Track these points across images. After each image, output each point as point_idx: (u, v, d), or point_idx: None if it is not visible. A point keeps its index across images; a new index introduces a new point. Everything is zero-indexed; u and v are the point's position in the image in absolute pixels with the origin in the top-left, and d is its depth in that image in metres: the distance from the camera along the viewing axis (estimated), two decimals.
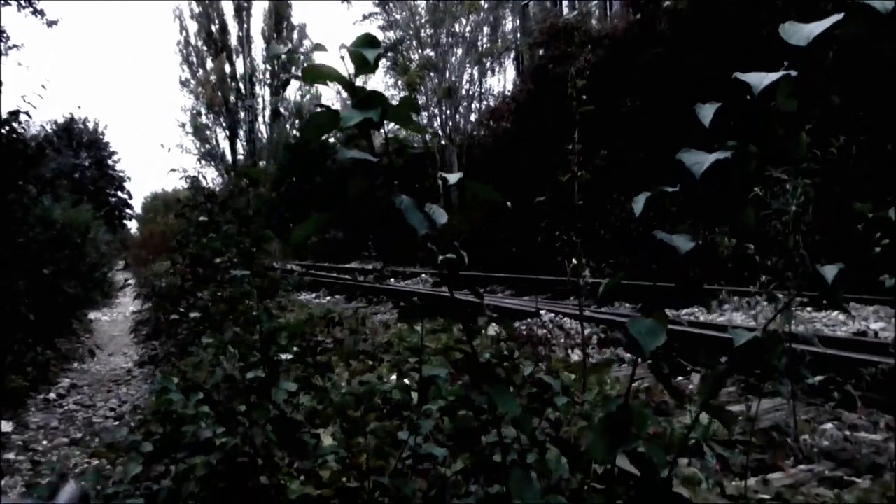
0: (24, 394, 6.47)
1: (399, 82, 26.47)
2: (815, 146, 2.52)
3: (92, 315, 13.60)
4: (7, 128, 7.70)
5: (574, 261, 3.99)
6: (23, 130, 9.00)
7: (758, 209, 2.22)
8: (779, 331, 3.59)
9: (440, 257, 1.20)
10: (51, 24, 9.72)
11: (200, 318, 4.35)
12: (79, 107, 23.12)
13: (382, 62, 30.68)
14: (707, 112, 1.13)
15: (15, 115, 8.45)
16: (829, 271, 1.34)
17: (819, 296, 1.65)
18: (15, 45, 8.80)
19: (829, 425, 3.36)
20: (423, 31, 26.24)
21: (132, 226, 45.84)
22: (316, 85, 1.42)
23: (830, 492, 2.43)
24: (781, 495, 2.30)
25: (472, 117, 26.14)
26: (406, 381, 3.48)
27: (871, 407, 3.61)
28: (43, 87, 8.52)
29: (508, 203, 1.10)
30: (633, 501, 1.57)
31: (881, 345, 4.18)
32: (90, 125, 45.31)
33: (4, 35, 8.76)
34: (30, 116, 8.59)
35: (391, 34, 26.43)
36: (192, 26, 41.07)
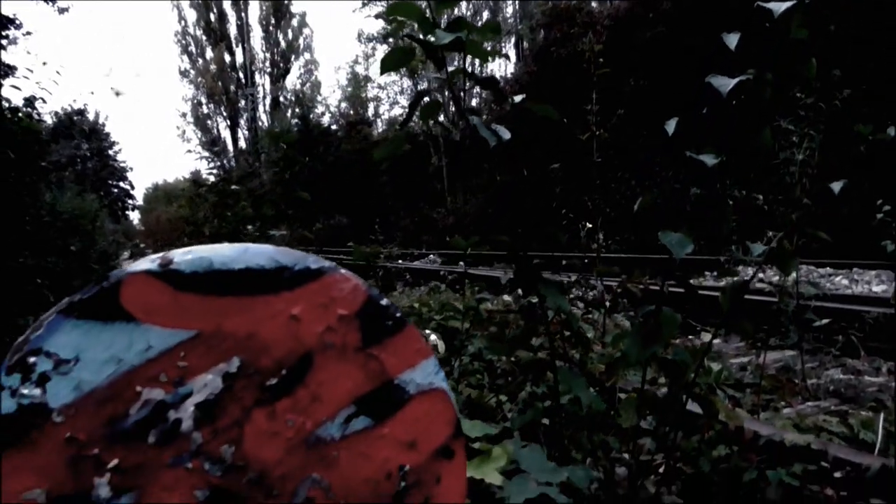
0: None
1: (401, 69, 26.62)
2: (821, 100, 2.69)
3: None
4: (25, 111, 7.85)
5: (589, 224, 4.16)
6: (38, 117, 9.14)
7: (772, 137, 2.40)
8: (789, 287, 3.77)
9: (498, 178, 1.38)
10: (62, 10, 9.84)
11: None
12: (91, 92, 23.05)
13: (383, 48, 30.78)
14: (732, 39, 1.30)
15: (31, 100, 8.59)
16: (836, 185, 1.53)
17: (824, 218, 1.84)
18: (29, 32, 8.91)
19: (833, 371, 3.55)
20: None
21: (134, 217, 45.86)
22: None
23: (836, 419, 2.63)
24: (792, 420, 2.49)
25: (473, 102, 26.22)
26: (434, 336, 3.67)
27: (874, 355, 3.80)
28: (58, 73, 8.63)
29: (565, 119, 1.27)
30: (660, 408, 1.75)
31: (882, 299, 4.37)
32: (90, 116, 45.21)
33: (17, 22, 8.87)
34: (45, 102, 8.73)
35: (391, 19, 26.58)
36: (191, 16, 41.06)
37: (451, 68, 1.40)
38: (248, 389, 0.53)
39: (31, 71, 6.71)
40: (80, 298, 0.54)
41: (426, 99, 1.45)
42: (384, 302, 0.60)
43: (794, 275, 4.29)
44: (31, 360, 0.52)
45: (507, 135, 1.29)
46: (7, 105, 8.36)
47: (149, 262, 0.56)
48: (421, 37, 1.32)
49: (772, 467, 1.79)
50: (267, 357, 0.53)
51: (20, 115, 8.57)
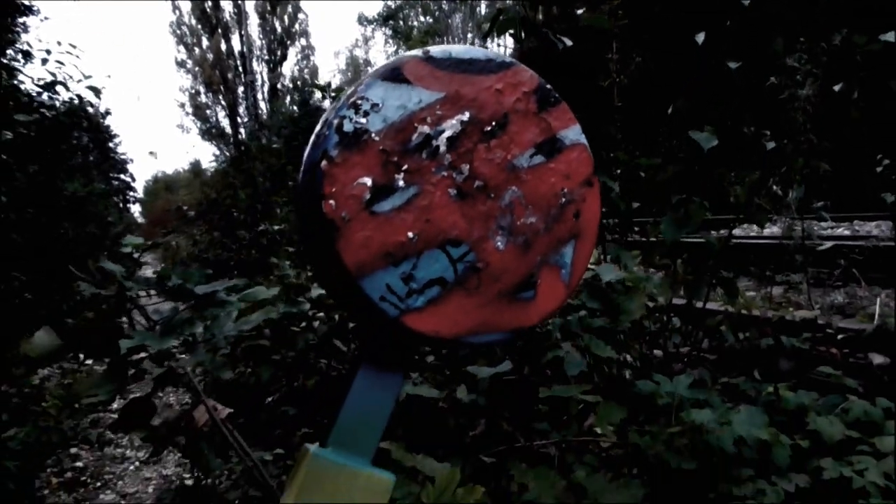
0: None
1: (400, 50, 26.80)
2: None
3: None
4: (46, 95, 8.13)
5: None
6: (57, 104, 9.40)
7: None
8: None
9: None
10: None
11: (269, 243, 4.82)
12: (108, 76, 23.32)
13: (384, 31, 30.95)
14: None
15: (51, 85, 8.84)
16: (837, 86, 1.83)
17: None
18: (46, 17, 9.17)
19: (836, 295, 3.88)
20: None
21: (135, 209, 45.93)
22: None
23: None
24: None
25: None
26: None
27: (873, 284, 4.12)
28: (78, 56, 8.87)
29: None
30: (691, 284, 2.07)
31: (881, 237, 4.68)
32: (90, 108, 45.25)
33: (34, 8, 9.11)
34: (66, 87, 8.98)
35: (391, 3, 26.71)
36: (185, 5, 40.93)
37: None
38: (474, 132, 0.86)
39: (74, 46, 6.94)
40: (384, 70, 0.86)
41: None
42: (549, 86, 0.92)
43: (797, 230, 4.58)
44: (359, 101, 0.85)
45: (569, 42, 1.59)
46: (30, 90, 8.59)
47: (416, 52, 0.89)
48: None
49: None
50: (483, 113, 0.86)
51: (43, 98, 8.82)
